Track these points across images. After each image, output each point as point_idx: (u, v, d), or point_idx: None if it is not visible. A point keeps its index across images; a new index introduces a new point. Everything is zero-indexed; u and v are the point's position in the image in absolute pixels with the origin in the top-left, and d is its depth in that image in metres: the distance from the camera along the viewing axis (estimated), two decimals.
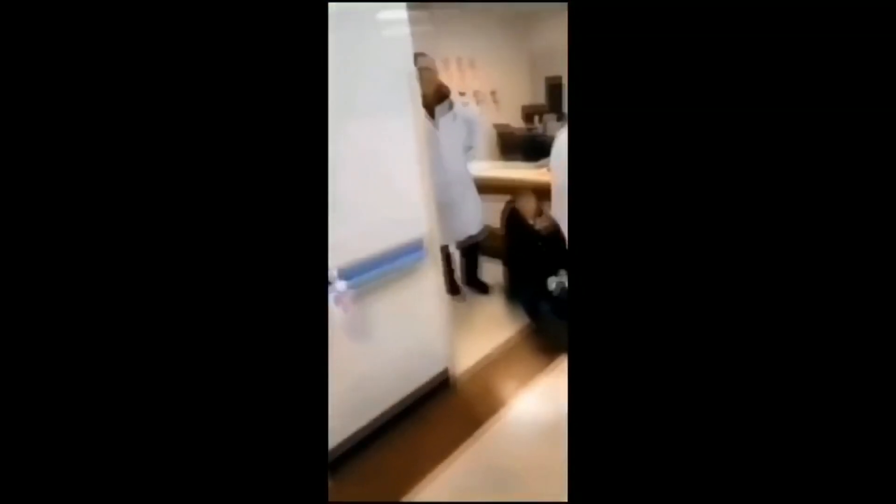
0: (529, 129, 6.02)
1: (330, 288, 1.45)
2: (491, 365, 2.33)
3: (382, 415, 1.91)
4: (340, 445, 1.75)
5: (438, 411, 2.04)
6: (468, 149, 2.82)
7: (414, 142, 1.83)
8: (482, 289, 3.05)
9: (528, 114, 6.31)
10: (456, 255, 3.04)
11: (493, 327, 2.66)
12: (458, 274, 3.07)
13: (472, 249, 3.00)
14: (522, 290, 2.69)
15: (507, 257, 2.85)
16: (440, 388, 2.14)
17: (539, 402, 2.03)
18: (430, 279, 1.99)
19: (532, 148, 4.64)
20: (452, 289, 2.95)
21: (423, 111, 2.40)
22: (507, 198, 2.80)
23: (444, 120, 2.61)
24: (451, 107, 2.63)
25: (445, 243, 2.74)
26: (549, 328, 2.49)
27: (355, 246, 1.63)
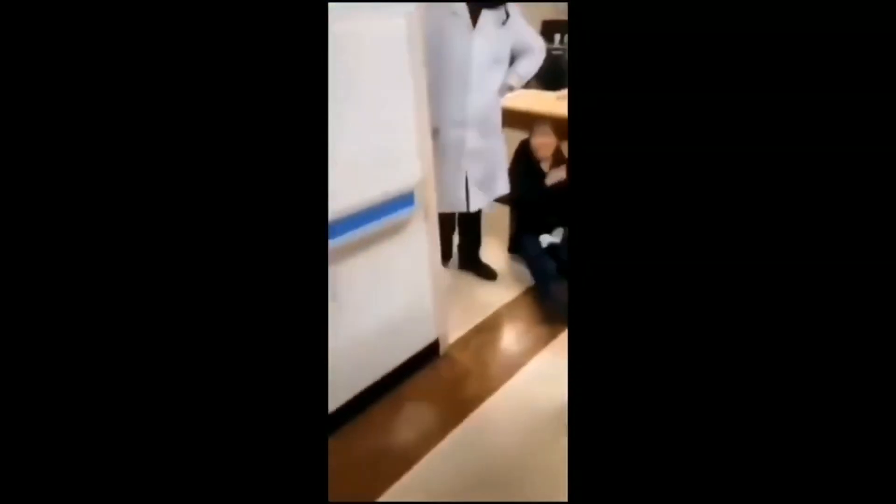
0: (550, 50, 5.25)
1: None
2: (486, 335, 2.03)
3: (367, 388, 1.65)
4: None
5: (423, 390, 1.77)
6: (507, 87, 2.02)
7: (413, 48, 1.35)
8: (485, 273, 2.40)
9: (550, 30, 5.51)
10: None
11: (490, 287, 2.33)
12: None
13: (474, 222, 2.33)
14: (528, 244, 2.33)
15: (513, 202, 2.46)
16: (426, 362, 1.84)
17: (537, 383, 1.76)
18: (420, 235, 1.61)
19: (552, 72, 3.99)
20: (447, 255, 2.38)
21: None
22: (520, 134, 2.35)
23: (490, 24, 1.78)
24: (507, 14, 1.83)
25: (442, 210, 1.92)
26: (554, 291, 2.15)
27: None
